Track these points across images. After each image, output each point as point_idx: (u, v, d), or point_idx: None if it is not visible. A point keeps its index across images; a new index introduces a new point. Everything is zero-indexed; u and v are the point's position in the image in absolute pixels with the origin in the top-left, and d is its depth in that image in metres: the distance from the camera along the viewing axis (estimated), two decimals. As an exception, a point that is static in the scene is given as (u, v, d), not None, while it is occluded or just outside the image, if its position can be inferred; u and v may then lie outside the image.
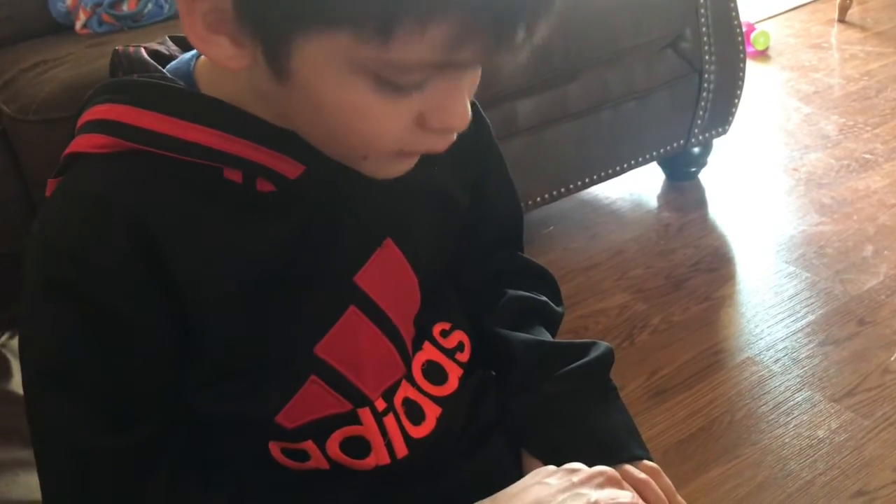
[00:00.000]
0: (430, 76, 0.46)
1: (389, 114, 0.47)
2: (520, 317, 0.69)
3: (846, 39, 2.69)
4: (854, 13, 2.81)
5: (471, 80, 0.50)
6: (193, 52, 0.56)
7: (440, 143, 0.51)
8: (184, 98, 0.52)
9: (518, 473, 0.63)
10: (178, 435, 0.55)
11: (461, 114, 0.49)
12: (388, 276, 0.58)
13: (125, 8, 1.56)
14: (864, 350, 1.43)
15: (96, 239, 0.50)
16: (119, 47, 0.57)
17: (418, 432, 0.60)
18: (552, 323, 0.71)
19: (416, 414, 0.60)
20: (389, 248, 0.58)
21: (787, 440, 1.27)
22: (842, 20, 2.80)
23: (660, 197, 1.96)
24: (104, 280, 0.50)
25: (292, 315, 0.55)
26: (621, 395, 0.68)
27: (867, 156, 2.03)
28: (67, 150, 0.53)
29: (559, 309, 0.72)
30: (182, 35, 0.58)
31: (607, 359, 0.67)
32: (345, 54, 0.44)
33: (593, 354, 0.67)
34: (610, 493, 0.55)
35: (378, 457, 0.58)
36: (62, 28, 1.61)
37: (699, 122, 1.84)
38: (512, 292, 0.70)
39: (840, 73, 2.48)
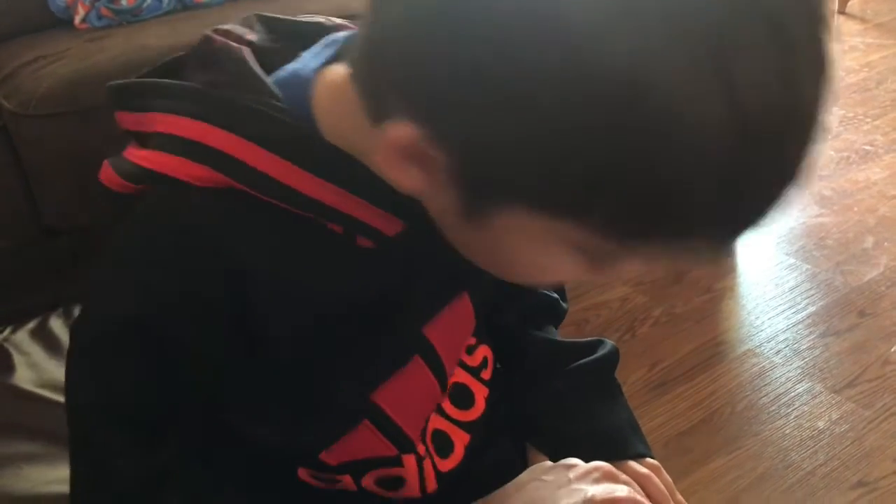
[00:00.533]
0: None
1: (574, 267, 0.44)
2: (530, 312, 0.69)
3: (846, 31, 2.69)
4: (854, 5, 2.80)
5: None
6: (307, 69, 0.49)
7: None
8: (307, 145, 0.46)
9: (524, 468, 0.64)
10: (195, 444, 0.53)
11: (628, 265, 0.46)
12: (454, 326, 0.58)
13: (124, 2, 1.55)
14: (864, 341, 1.43)
15: (193, 288, 0.47)
16: (217, 38, 0.49)
17: (446, 465, 0.59)
18: (558, 319, 0.72)
19: (444, 446, 0.60)
20: (462, 300, 0.57)
21: (787, 431, 1.27)
22: (842, 12, 2.79)
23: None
24: (192, 329, 0.48)
25: (358, 359, 0.53)
26: (623, 387, 0.68)
27: (867, 147, 2.03)
28: (151, 165, 0.47)
29: (565, 305, 0.72)
30: (270, 16, 0.53)
31: (613, 357, 0.68)
32: (558, 233, 0.40)
33: (600, 353, 0.67)
34: (606, 487, 0.55)
35: (410, 490, 0.58)
36: (61, 22, 1.60)
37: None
38: None
39: (840, 64, 2.47)
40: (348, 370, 0.53)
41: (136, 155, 0.49)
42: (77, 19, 1.57)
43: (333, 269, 0.49)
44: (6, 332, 0.97)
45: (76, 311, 0.99)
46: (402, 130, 0.39)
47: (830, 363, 1.39)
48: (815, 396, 1.33)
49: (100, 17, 1.56)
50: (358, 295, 0.51)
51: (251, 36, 0.51)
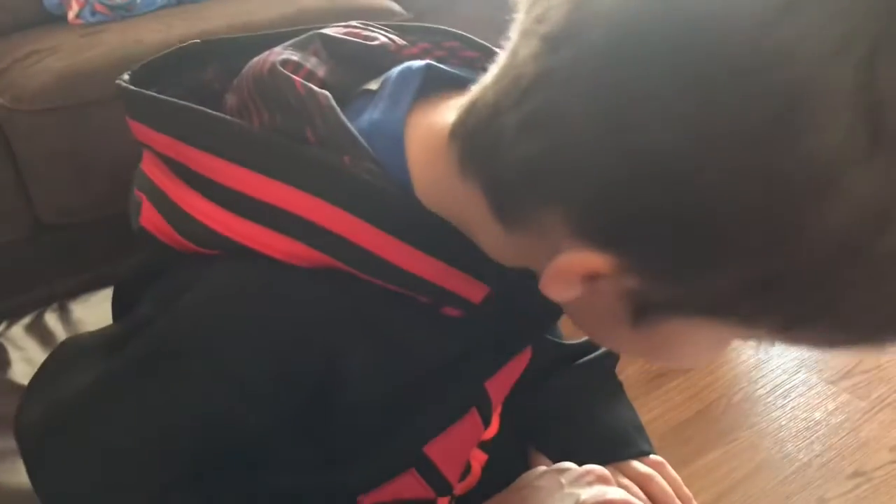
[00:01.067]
0: None
1: (716, 347, 0.43)
2: None
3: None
4: None
5: None
6: (393, 118, 0.43)
7: None
8: (407, 214, 0.41)
9: (525, 470, 0.64)
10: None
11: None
12: (511, 376, 0.56)
13: (118, -3, 1.55)
14: (860, 332, 1.44)
15: (281, 384, 0.43)
16: (297, 80, 0.42)
17: (463, 487, 0.58)
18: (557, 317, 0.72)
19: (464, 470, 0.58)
20: (525, 352, 0.56)
21: (784, 422, 1.27)
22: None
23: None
24: (263, 422, 0.44)
25: (419, 414, 0.50)
26: (619, 379, 0.68)
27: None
28: (240, 238, 0.41)
29: None
30: (333, 35, 0.48)
31: (613, 356, 0.68)
32: (733, 332, 0.38)
33: (599, 352, 0.67)
34: (598, 490, 0.54)
35: None
36: (55, 18, 1.60)
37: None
38: None
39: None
40: (410, 424, 0.50)
41: (203, 211, 0.42)
42: (71, 15, 1.56)
43: (421, 339, 0.46)
44: (1, 328, 0.97)
45: (71, 306, 0.99)
46: (593, 260, 0.36)
47: (826, 354, 1.40)
48: (811, 387, 1.33)
49: (93, 13, 1.55)
50: (441, 360, 0.48)
51: (321, 71, 0.45)
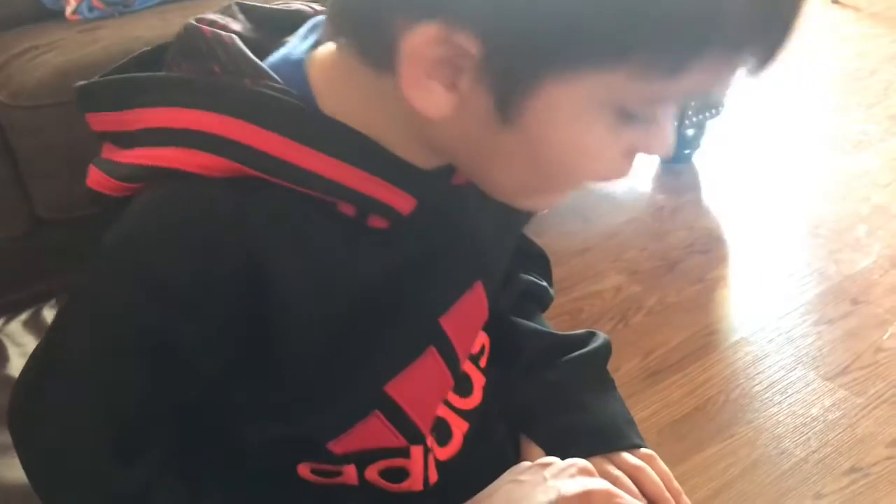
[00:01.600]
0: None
1: (611, 149, 0.45)
2: (522, 300, 0.69)
3: (840, 20, 2.69)
4: (848, -6, 2.81)
5: None
6: (297, 50, 0.49)
7: (631, 169, 0.48)
8: (310, 121, 0.45)
9: (518, 460, 0.64)
10: (178, 453, 0.52)
11: (670, 142, 0.47)
12: (469, 317, 0.57)
13: (116, -7, 1.55)
14: (857, 329, 1.44)
15: (209, 287, 0.45)
16: (202, 24, 0.48)
17: (445, 453, 0.59)
18: (546, 307, 0.72)
19: (444, 434, 0.59)
20: (477, 291, 0.57)
21: (781, 419, 1.28)
22: (836, 1, 2.79)
23: (654, 180, 1.96)
24: (202, 330, 0.46)
25: (371, 349, 0.52)
26: (617, 376, 0.68)
27: (860, 136, 2.03)
28: (154, 161, 0.46)
29: (552, 292, 0.72)
30: (251, 4, 0.53)
31: (605, 350, 0.68)
32: (600, 92, 0.41)
33: (592, 345, 0.67)
34: (581, 482, 0.55)
35: (413, 484, 0.58)
36: (52, 14, 1.59)
37: (692, 104, 1.84)
38: (516, 273, 0.70)
39: (834, 54, 2.48)
40: (363, 360, 0.52)
41: (129, 155, 0.47)
42: (68, 11, 1.56)
43: (347, 253, 0.49)
44: (0, 324, 0.97)
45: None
46: (424, 32, 0.40)
47: (823, 351, 1.40)
48: (809, 384, 1.33)
49: (91, 9, 1.55)
50: (373, 281, 0.50)
51: (235, 25, 0.50)
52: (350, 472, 0.56)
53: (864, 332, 1.43)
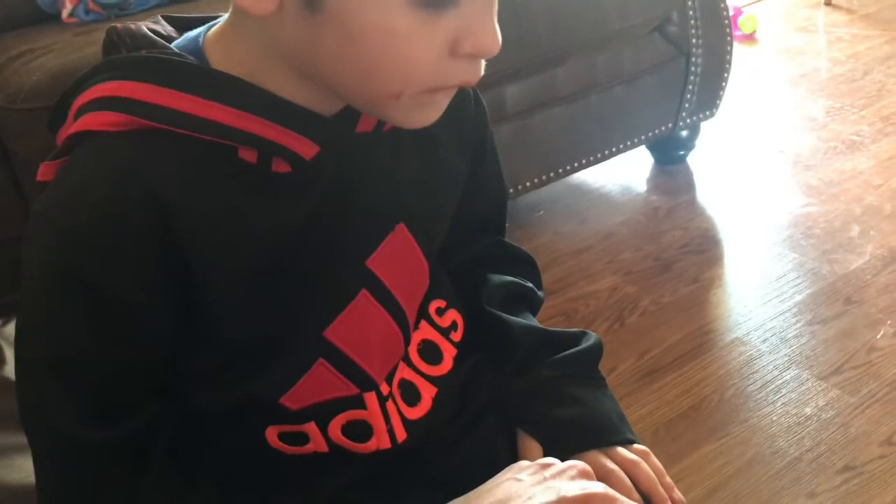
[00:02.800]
0: None
1: (425, 37, 0.47)
2: (509, 301, 0.70)
3: (833, 22, 2.70)
4: (840, -4, 2.82)
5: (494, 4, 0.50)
6: (199, 29, 0.55)
7: (472, 73, 0.50)
8: (198, 74, 0.51)
9: (513, 453, 0.65)
10: (167, 429, 0.54)
11: (493, 36, 0.49)
12: (400, 261, 0.59)
13: (112, -4, 1.55)
14: (850, 329, 1.45)
15: (114, 225, 0.49)
16: (118, 24, 0.55)
17: (414, 413, 0.60)
18: (535, 308, 0.73)
19: (411, 395, 0.61)
20: (402, 232, 0.58)
21: (775, 418, 1.28)
22: (828, 3, 2.81)
23: (649, 180, 1.97)
24: (119, 269, 0.49)
25: (303, 298, 0.55)
26: (612, 376, 0.69)
27: (854, 137, 2.05)
28: (73, 129, 0.51)
29: (540, 294, 0.73)
30: (175, 15, 0.58)
31: (597, 350, 0.69)
32: None
33: (585, 344, 0.68)
34: (581, 484, 0.55)
35: (379, 441, 0.59)
36: (49, 17, 1.60)
37: (687, 105, 1.85)
38: (498, 276, 0.71)
39: (827, 55, 2.49)
40: (298, 309, 0.55)
41: (59, 137, 0.53)
42: (64, 14, 1.56)
43: (254, 200, 0.52)
44: (-3, 325, 0.97)
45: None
46: None
47: (817, 351, 1.41)
48: (802, 383, 1.34)
49: (87, 12, 1.55)
50: (290, 228, 0.53)
51: (153, 25, 0.56)
52: (313, 433, 0.57)
53: (857, 331, 1.44)
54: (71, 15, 1.56)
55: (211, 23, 0.55)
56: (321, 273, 0.55)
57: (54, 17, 1.59)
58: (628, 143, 1.81)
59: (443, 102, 0.53)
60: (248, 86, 0.51)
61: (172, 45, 0.54)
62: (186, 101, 0.49)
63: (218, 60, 0.52)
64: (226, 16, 0.53)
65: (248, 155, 0.51)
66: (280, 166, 0.52)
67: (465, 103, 0.64)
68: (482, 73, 0.51)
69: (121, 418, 0.52)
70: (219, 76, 0.51)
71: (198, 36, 0.54)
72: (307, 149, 0.51)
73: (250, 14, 0.48)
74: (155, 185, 0.49)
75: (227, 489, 0.56)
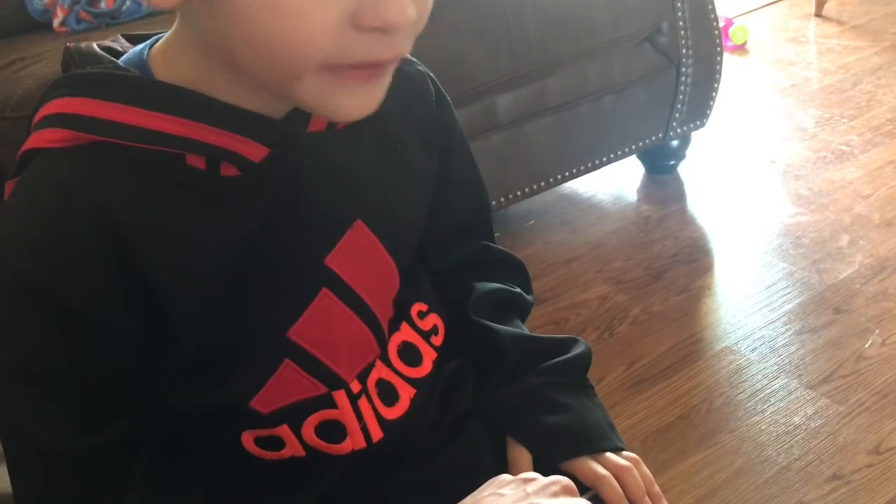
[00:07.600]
0: None
1: (316, 9, 0.44)
2: (497, 309, 0.70)
3: (823, 33, 2.72)
4: (831, 7, 2.84)
5: None
6: (145, 43, 0.55)
7: (384, 49, 0.47)
8: (140, 86, 0.51)
9: (497, 460, 0.65)
10: (151, 435, 0.54)
11: (397, 6, 0.45)
12: (362, 259, 0.58)
13: (103, 5, 1.55)
14: (839, 338, 1.45)
15: (61, 237, 0.49)
16: (70, 44, 0.56)
17: (392, 413, 0.60)
18: (525, 313, 0.73)
19: (389, 395, 0.61)
20: (360, 229, 0.58)
21: (763, 427, 1.29)
22: (819, 14, 2.83)
23: (639, 190, 1.97)
24: (71, 279, 0.49)
25: (264, 300, 0.55)
26: (601, 386, 0.69)
27: (843, 147, 2.06)
28: (24, 148, 0.52)
29: (530, 298, 0.73)
30: (136, 34, 0.58)
31: (586, 358, 0.69)
32: None
33: (574, 352, 0.68)
34: (563, 501, 0.55)
35: (354, 441, 0.59)
36: (40, 26, 1.60)
37: (677, 115, 1.85)
38: (485, 284, 0.71)
39: (817, 66, 2.50)
40: (260, 311, 0.55)
41: (17, 157, 0.53)
42: (56, 22, 1.57)
43: (205, 207, 0.52)
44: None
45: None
46: None
47: (806, 360, 1.41)
48: (791, 392, 1.35)
49: (79, 21, 1.56)
50: (245, 232, 0.53)
51: (109, 43, 0.57)
52: (287, 436, 0.57)
53: (846, 341, 1.44)
54: (62, 24, 1.56)
55: (157, 36, 0.56)
56: (279, 274, 0.55)
57: (45, 26, 1.59)
58: (619, 152, 1.82)
59: (369, 87, 0.49)
60: (191, 93, 0.51)
61: (119, 60, 0.54)
62: (130, 114, 0.50)
63: (162, 72, 0.53)
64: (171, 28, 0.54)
65: (197, 161, 0.52)
66: (228, 170, 0.52)
67: (424, 101, 0.63)
68: (405, 49, 0.48)
69: (102, 426, 0.52)
70: (161, 87, 0.52)
71: (143, 49, 0.55)
72: (255, 151, 0.52)
73: (159, 7, 0.50)
74: (102, 199, 0.49)
75: (215, 496, 0.56)
